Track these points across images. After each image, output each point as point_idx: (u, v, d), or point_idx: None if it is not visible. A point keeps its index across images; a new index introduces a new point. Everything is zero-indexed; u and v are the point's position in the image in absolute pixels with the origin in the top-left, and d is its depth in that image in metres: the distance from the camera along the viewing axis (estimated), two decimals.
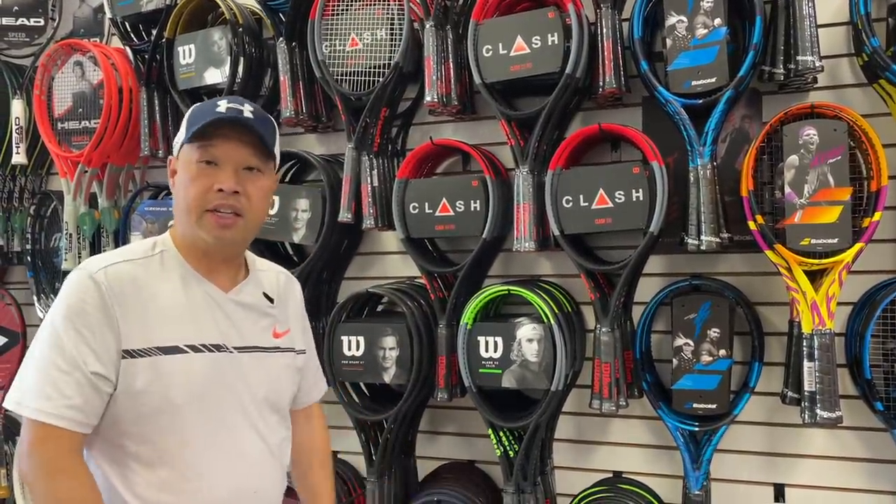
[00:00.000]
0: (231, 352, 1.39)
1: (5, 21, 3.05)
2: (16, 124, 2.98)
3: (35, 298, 3.03)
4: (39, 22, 3.08)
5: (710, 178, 1.95)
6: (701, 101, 1.96)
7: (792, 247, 1.87)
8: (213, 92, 2.60)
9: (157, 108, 2.73)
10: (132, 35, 2.77)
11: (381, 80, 2.28)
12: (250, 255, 1.54)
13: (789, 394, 1.96)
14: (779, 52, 1.97)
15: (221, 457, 1.36)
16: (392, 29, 2.30)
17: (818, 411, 1.83)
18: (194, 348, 1.34)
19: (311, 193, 2.40)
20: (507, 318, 2.21)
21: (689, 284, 2.12)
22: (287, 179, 2.60)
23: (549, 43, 2.09)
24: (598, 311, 2.07)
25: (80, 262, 2.70)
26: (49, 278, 3.06)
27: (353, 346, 2.27)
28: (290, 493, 1.55)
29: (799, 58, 1.91)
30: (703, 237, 1.94)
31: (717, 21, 1.95)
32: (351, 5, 2.36)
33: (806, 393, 1.86)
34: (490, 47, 2.15)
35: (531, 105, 2.15)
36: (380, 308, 2.57)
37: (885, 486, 2.05)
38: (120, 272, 1.31)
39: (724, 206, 2.02)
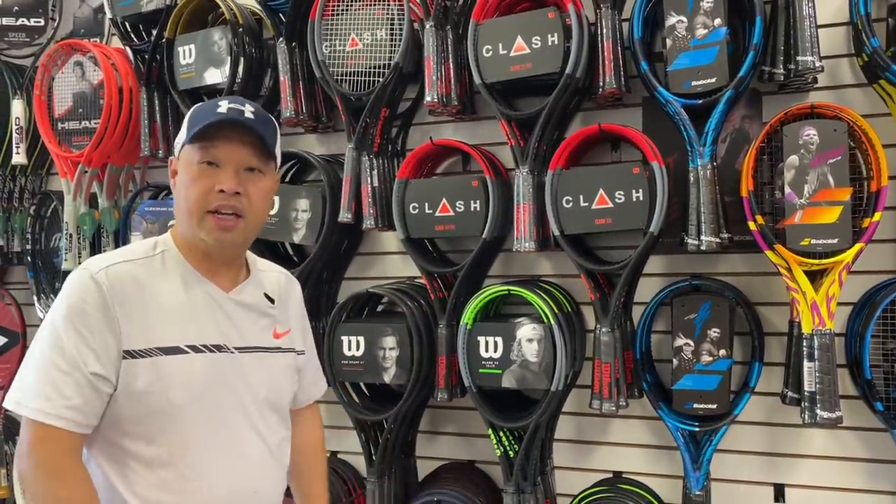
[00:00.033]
0: (232, 352, 1.39)
1: (5, 21, 3.05)
2: (16, 124, 2.98)
3: (35, 298, 3.03)
4: (39, 22, 3.08)
5: (710, 178, 1.95)
6: (701, 102, 1.96)
7: (792, 247, 1.87)
8: (213, 92, 2.60)
9: (157, 108, 2.73)
10: (132, 35, 2.77)
11: (381, 80, 2.28)
12: (251, 256, 1.54)
13: (789, 394, 1.96)
14: (779, 52, 1.97)
15: (222, 457, 1.36)
16: (392, 29, 2.30)
17: (818, 411, 1.83)
18: (195, 348, 1.34)
19: (311, 193, 2.40)
20: (507, 318, 2.21)
21: (690, 284, 2.12)
22: (287, 179, 2.60)
23: (549, 43, 2.09)
24: (598, 312, 2.07)
25: (80, 263, 2.72)
26: (49, 278, 3.06)
27: (353, 346, 2.27)
28: (287, 492, 1.55)
29: (799, 58, 1.91)
30: (703, 237, 1.94)
31: (717, 21, 1.95)
32: (351, 5, 2.36)
33: (806, 393, 1.87)
34: (490, 47, 2.15)
35: (531, 105, 2.15)
36: (380, 308, 2.57)
37: (885, 486, 2.05)
38: (121, 272, 1.31)
39: (724, 206, 2.02)
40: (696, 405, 2.03)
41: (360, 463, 2.55)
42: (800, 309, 1.88)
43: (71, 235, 2.79)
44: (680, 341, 2.06)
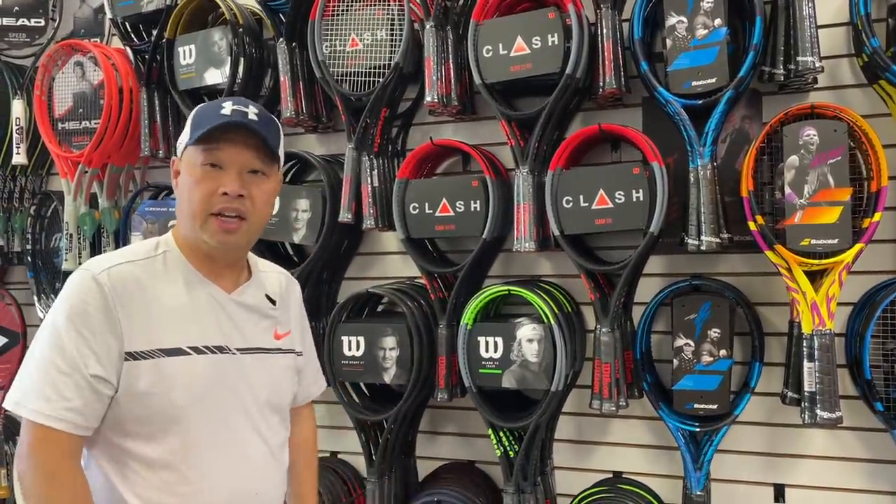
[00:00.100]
0: (233, 353, 1.39)
1: (6, 21, 3.05)
2: (16, 125, 2.98)
3: (35, 299, 3.03)
4: (40, 22, 3.08)
5: (710, 178, 1.95)
6: (701, 102, 1.96)
7: (792, 247, 1.87)
8: (214, 92, 2.60)
9: (157, 108, 2.73)
10: (132, 35, 2.77)
11: (381, 80, 2.28)
12: (252, 257, 1.54)
13: (789, 394, 1.96)
14: (779, 52, 1.97)
15: (223, 458, 1.36)
16: (392, 29, 2.30)
17: (818, 412, 1.83)
18: (197, 350, 1.34)
19: (311, 194, 2.40)
20: (508, 318, 2.21)
21: (690, 285, 2.12)
22: (287, 180, 2.60)
23: (550, 43, 2.09)
24: (598, 312, 2.07)
25: (80, 263, 2.73)
26: (49, 279, 3.06)
27: (353, 346, 2.27)
28: None
29: (799, 58, 1.91)
30: (703, 237, 1.94)
31: (718, 21, 1.95)
32: (351, 6, 2.36)
33: (806, 393, 1.87)
34: (490, 48, 2.15)
35: (531, 105, 2.15)
36: (380, 308, 2.57)
37: (885, 487, 2.05)
38: (123, 273, 1.31)
39: (724, 206, 2.02)
40: (696, 405, 2.03)
41: (360, 463, 2.55)
42: (800, 309, 1.89)
43: (71, 235, 2.79)
44: (680, 341, 2.06)
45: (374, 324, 2.30)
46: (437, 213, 2.23)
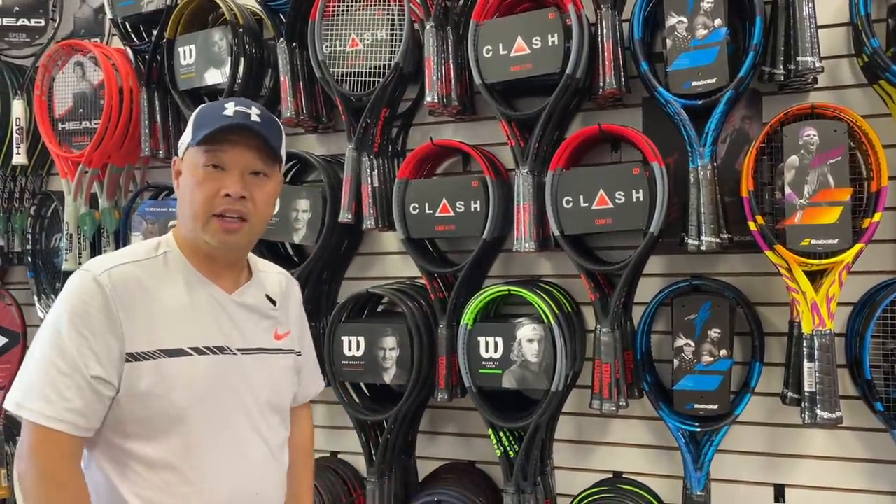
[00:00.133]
0: (234, 354, 1.39)
1: (6, 21, 3.05)
2: (16, 125, 2.98)
3: (35, 299, 3.03)
4: (40, 22, 3.08)
5: (710, 178, 1.95)
6: (701, 102, 1.96)
7: (792, 247, 1.87)
8: (214, 92, 2.60)
9: (157, 108, 2.73)
10: (133, 35, 2.77)
11: (381, 80, 2.28)
12: (252, 257, 1.54)
13: (789, 394, 1.96)
14: (779, 52, 1.97)
15: (224, 459, 1.36)
16: (392, 29, 2.30)
17: (818, 412, 1.84)
18: (198, 350, 1.34)
19: (311, 194, 2.40)
20: (508, 318, 2.21)
21: (690, 285, 2.12)
22: (288, 180, 2.60)
23: (550, 44, 2.09)
24: (598, 312, 2.07)
25: (80, 263, 2.73)
26: (49, 279, 3.06)
27: (353, 346, 2.27)
28: None
29: (799, 58, 1.91)
30: (703, 238, 1.94)
31: (718, 22, 1.95)
32: (351, 6, 2.36)
33: (806, 393, 1.87)
34: (490, 48, 2.15)
35: (531, 105, 2.15)
36: (380, 308, 2.57)
37: (885, 487, 2.05)
38: (124, 274, 1.31)
39: (724, 206, 2.02)
40: (696, 405, 2.03)
41: (360, 463, 2.55)
42: (800, 309, 1.89)
43: (71, 236, 2.79)
44: (680, 342, 2.06)
45: (375, 324, 2.30)
46: (438, 214, 2.23)
